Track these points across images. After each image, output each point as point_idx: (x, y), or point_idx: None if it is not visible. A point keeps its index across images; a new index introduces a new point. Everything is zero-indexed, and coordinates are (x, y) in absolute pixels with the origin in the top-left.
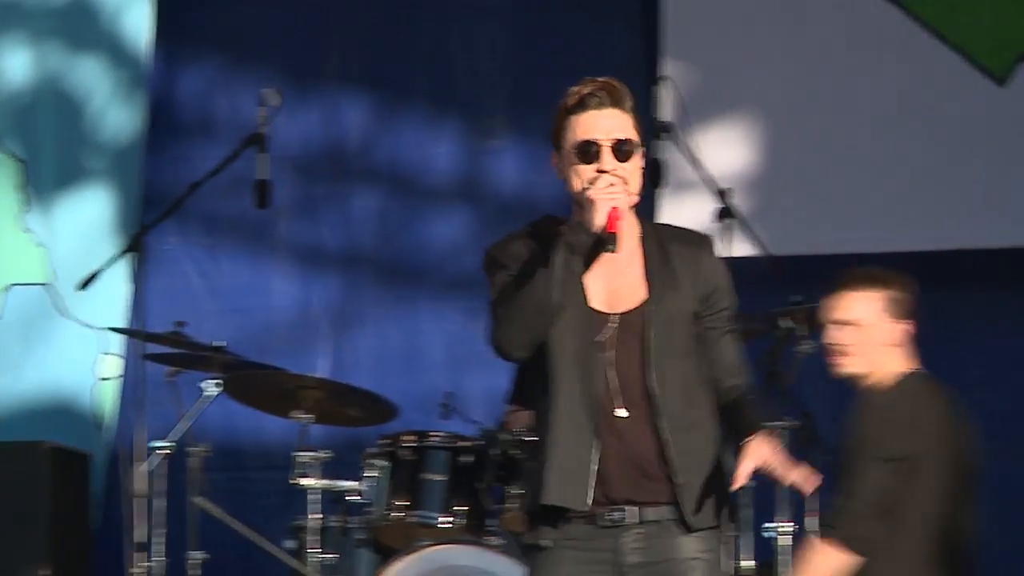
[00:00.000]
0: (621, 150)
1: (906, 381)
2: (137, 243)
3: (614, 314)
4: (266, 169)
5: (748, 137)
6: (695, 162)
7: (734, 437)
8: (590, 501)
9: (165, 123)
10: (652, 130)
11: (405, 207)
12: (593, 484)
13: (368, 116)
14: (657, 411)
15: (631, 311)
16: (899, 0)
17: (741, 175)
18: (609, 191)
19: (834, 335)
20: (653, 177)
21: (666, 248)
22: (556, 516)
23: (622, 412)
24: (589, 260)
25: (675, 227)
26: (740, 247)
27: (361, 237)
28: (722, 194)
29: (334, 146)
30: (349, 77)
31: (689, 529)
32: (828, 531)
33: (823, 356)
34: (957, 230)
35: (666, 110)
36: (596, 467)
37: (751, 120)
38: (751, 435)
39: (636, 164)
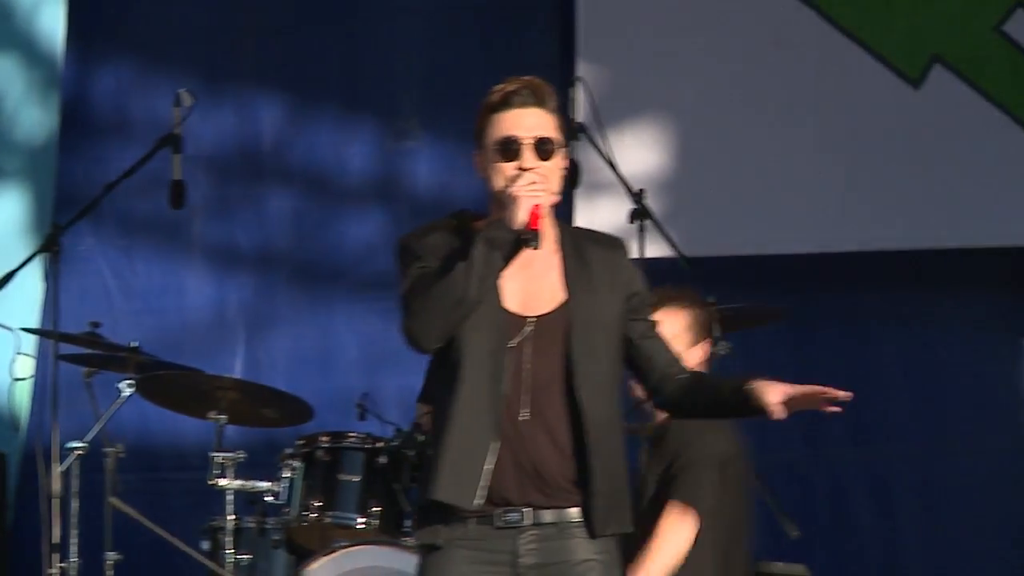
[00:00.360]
0: (543, 148)
1: None
2: (51, 243)
3: (530, 316)
4: (180, 169)
5: (662, 139)
6: (609, 163)
7: (718, 405)
8: (479, 501)
9: (79, 123)
10: (567, 131)
11: (320, 207)
12: (485, 485)
13: (283, 116)
14: (581, 415)
15: (549, 313)
16: (814, 3)
17: (655, 176)
18: (531, 188)
19: None
20: (568, 178)
21: (583, 250)
22: (450, 515)
23: (526, 415)
24: (509, 256)
25: (589, 230)
26: (654, 248)
27: (276, 238)
28: (636, 195)
29: (249, 147)
30: (264, 77)
31: (594, 534)
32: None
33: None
34: (870, 231)
35: (580, 112)
36: (491, 467)
37: (665, 122)
38: (746, 383)
39: (557, 164)
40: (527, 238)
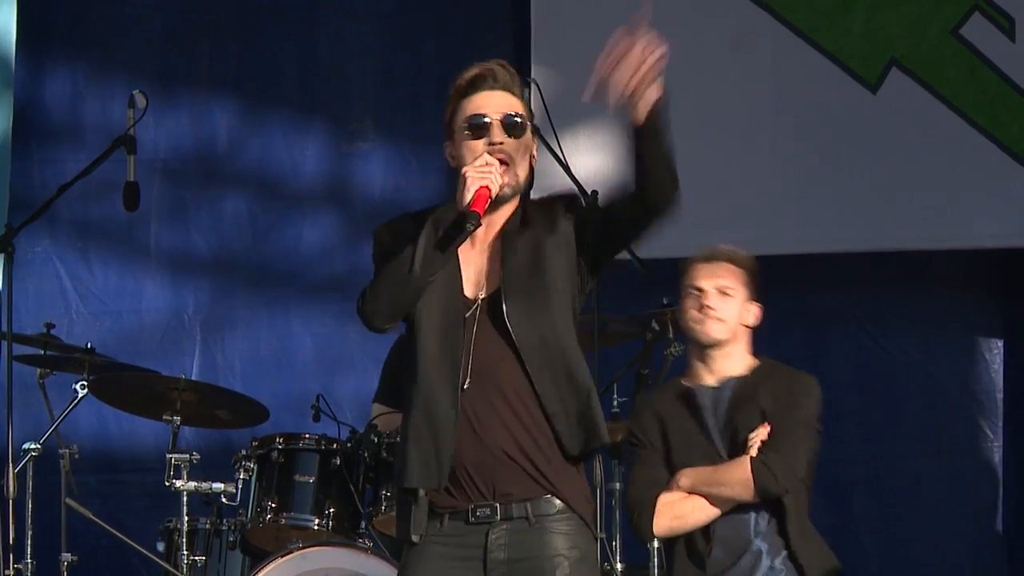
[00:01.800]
0: (510, 123)
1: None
2: (4, 245)
3: (478, 299)
4: (134, 171)
5: (616, 141)
6: (563, 165)
7: (639, 146)
8: (444, 482)
9: (31, 126)
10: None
11: (275, 210)
12: (449, 462)
13: (237, 119)
14: (533, 385)
15: (493, 293)
16: (772, 7)
17: (609, 178)
18: (482, 170)
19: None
20: None
21: (529, 221)
22: (425, 511)
23: (470, 387)
24: (451, 236)
25: (542, 198)
26: None
27: (231, 240)
28: (590, 197)
29: (203, 149)
30: (217, 80)
31: (557, 524)
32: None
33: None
34: (828, 234)
35: (533, 113)
36: (453, 445)
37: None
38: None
39: (526, 143)
40: (467, 219)
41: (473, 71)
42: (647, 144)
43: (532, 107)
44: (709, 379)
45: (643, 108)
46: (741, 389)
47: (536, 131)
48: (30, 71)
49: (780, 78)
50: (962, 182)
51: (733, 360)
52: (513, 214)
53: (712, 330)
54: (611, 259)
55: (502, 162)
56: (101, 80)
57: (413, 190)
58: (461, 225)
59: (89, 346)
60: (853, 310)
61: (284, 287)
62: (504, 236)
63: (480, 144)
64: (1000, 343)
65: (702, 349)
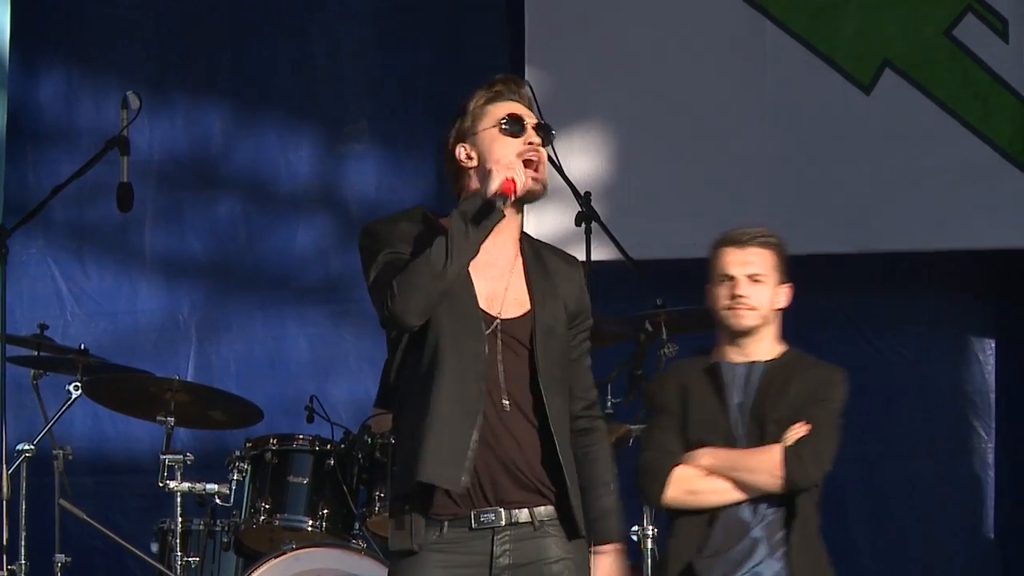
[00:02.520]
0: (544, 130)
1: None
2: None
3: (498, 317)
4: (128, 172)
5: (609, 142)
6: (556, 167)
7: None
8: (466, 482)
9: (25, 127)
10: None
11: (268, 212)
12: (471, 465)
13: (231, 121)
14: (547, 416)
15: (517, 318)
16: (765, 8)
17: (602, 180)
18: (508, 164)
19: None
20: None
21: (543, 259)
22: (424, 519)
23: (507, 406)
24: (483, 217)
25: (546, 243)
26: (600, 251)
27: (225, 241)
28: (583, 198)
29: (197, 151)
30: (211, 82)
31: (577, 534)
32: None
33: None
34: (822, 235)
35: None
36: (475, 448)
37: (612, 126)
38: (597, 535)
39: (547, 155)
40: (497, 201)
41: (502, 80)
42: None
43: None
44: (738, 359)
45: None
46: (771, 374)
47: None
48: (23, 72)
49: (773, 79)
50: (955, 183)
51: (764, 345)
52: (523, 248)
53: (745, 318)
54: None
55: (536, 164)
56: (95, 81)
57: (406, 191)
58: (491, 206)
59: (83, 347)
60: (846, 311)
61: (278, 289)
62: (528, 271)
63: (518, 143)
64: (993, 343)
65: (732, 335)
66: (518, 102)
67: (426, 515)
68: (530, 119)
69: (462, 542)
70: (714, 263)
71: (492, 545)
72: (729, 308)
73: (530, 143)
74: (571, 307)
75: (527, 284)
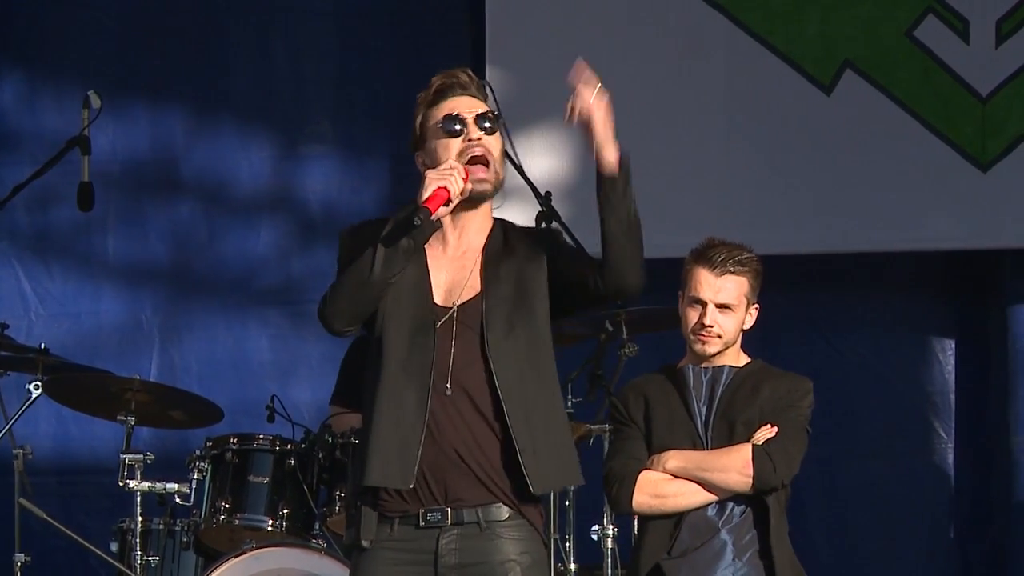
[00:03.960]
0: (485, 119)
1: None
2: None
3: (453, 306)
4: (88, 171)
5: (570, 142)
6: (517, 166)
7: (608, 208)
8: (412, 481)
9: None
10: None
11: (230, 213)
12: (416, 463)
13: (192, 122)
14: (499, 392)
15: (468, 301)
16: (725, 8)
17: (563, 180)
18: (443, 172)
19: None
20: None
21: (510, 242)
22: (375, 516)
23: (449, 390)
24: (397, 232)
25: (522, 227)
26: None
27: (188, 243)
28: (543, 198)
29: (159, 152)
30: (173, 84)
31: (535, 491)
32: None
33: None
34: (781, 235)
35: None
36: (421, 445)
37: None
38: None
39: (498, 142)
40: (416, 214)
41: (439, 80)
42: (614, 203)
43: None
44: (704, 365)
45: (610, 155)
46: (739, 379)
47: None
48: None
49: (733, 79)
50: (915, 183)
51: (728, 357)
52: (492, 234)
53: (709, 346)
54: (559, 316)
55: (482, 159)
56: (58, 83)
57: (368, 192)
58: (409, 221)
59: (43, 346)
60: (806, 311)
61: (240, 290)
62: (486, 254)
63: (458, 142)
64: (953, 343)
65: (697, 356)
66: (461, 95)
67: (378, 512)
68: (470, 112)
69: (410, 539)
70: (687, 279)
71: (437, 544)
72: (695, 334)
73: (471, 139)
74: (540, 253)
75: (480, 267)
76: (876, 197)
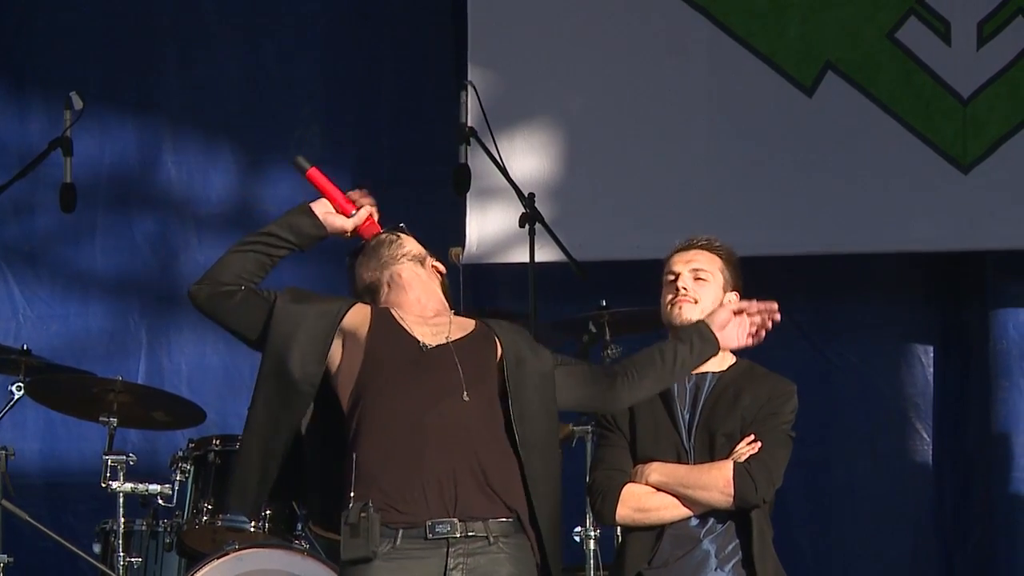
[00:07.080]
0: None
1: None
2: None
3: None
4: (71, 172)
5: (553, 143)
6: (500, 168)
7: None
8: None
9: None
10: (458, 135)
11: (217, 218)
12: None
13: (180, 125)
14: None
15: (472, 332)
16: (707, 9)
17: (546, 181)
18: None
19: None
20: (458, 182)
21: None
22: (379, 527)
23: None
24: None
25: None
26: (544, 252)
27: (176, 247)
28: (526, 199)
29: (147, 155)
30: (161, 87)
31: (510, 547)
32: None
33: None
34: (763, 237)
35: (471, 116)
36: (427, 462)
37: (556, 126)
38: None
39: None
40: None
41: None
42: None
43: (469, 109)
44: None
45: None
46: (721, 386)
47: (473, 134)
48: None
49: (715, 81)
50: (897, 185)
51: (712, 363)
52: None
53: (685, 312)
54: None
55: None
56: (44, 90)
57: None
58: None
59: (25, 348)
60: (789, 314)
61: None
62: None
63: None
64: (934, 346)
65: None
66: None
67: (382, 523)
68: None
69: (416, 552)
70: (663, 269)
71: (447, 558)
72: (671, 304)
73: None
74: (543, 353)
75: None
76: (857, 199)
